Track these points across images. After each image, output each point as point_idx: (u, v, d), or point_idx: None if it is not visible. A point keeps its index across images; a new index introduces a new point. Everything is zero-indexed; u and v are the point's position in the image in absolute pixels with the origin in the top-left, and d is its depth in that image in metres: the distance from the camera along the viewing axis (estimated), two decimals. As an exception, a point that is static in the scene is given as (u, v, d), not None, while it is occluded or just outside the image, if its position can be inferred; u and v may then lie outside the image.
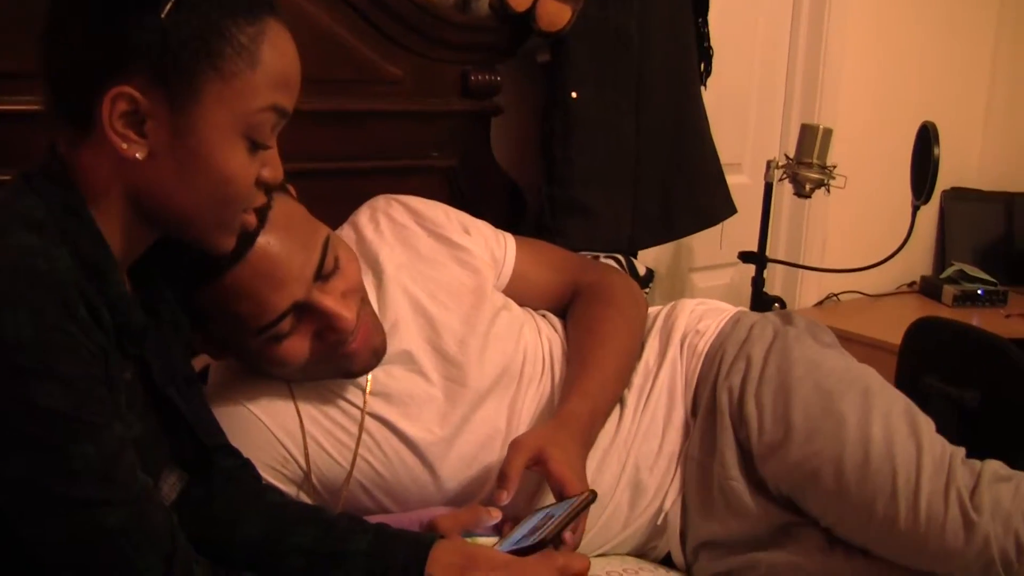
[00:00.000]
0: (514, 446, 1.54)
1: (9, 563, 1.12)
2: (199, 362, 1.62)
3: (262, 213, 1.45)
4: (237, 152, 1.19)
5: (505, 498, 1.48)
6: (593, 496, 1.44)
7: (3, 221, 1.13)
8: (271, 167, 1.25)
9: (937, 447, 1.61)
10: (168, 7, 1.14)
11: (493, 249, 1.83)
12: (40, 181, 1.18)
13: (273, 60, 1.20)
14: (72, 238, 1.14)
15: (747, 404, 1.69)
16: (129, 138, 1.16)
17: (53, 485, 1.07)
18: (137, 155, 1.16)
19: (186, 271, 1.41)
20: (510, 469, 1.50)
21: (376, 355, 1.60)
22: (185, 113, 1.16)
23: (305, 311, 1.50)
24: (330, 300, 1.51)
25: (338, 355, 1.55)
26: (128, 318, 1.19)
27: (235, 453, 1.47)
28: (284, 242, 1.47)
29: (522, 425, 1.70)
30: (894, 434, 1.61)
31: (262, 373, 1.59)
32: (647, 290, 2.47)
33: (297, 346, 1.52)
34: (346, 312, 1.52)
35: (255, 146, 1.21)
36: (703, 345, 1.81)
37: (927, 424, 1.65)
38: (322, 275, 1.51)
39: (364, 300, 1.59)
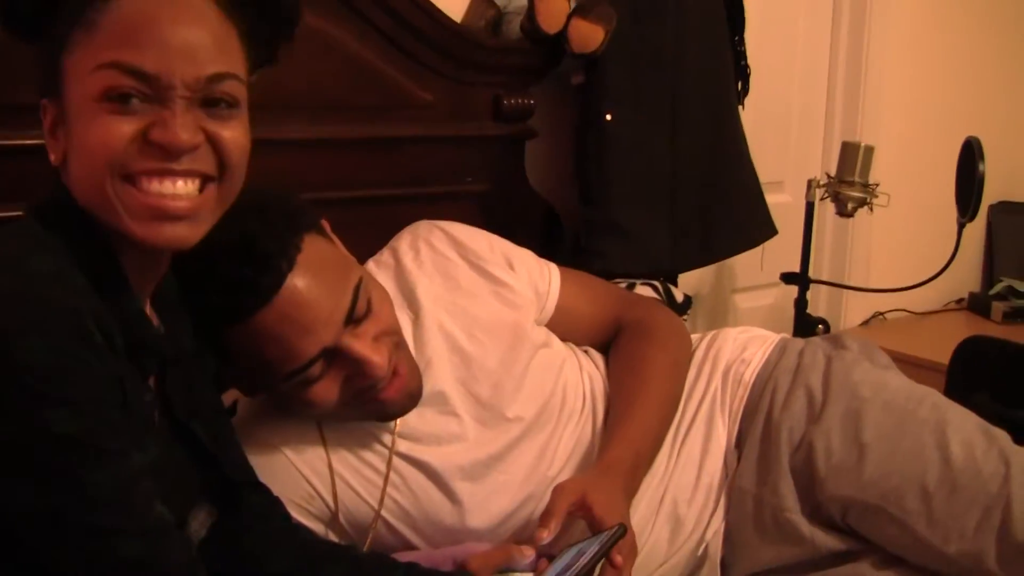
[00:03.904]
0: (558, 490, 1.51)
1: None
2: (229, 396, 1.60)
3: (290, 255, 1.41)
4: (99, 118, 1.09)
5: (546, 537, 1.45)
6: (623, 529, 1.40)
7: (17, 247, 1.10)
8: (159, 127, 1.10)
9: (1021, 457, 1.58)
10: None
11: (537, 283, 1.79)
12: (50, 206, 1.16)
13: (112, 20, 1.10)
14: (85, 260, 1.12)
15: (812, 432, 1.66)
16: (51, 146, 1.14)
17: (68, 513, 1.04)
18: (54, 160, 1.14)
19: (210, 311, 1.38)
20: (554, 509, 1.47)
21: (412, 400, 1.57)
22: (63, 103, 1.12)
23: (335, 355, 1.47)
24: (361, 345, 1.47)
25: (371, 400, 1.52)
26: (143, 335, 1.17)
27: (264, 489, 1.44)
28: (313, 285, 1.43)
29: (556, 462, 1.68)
30: (974, 448, 1.58)
31: (291, 412, 1.56)
32: (685, 317, 2.43)
33: (327, 390, 1.49)
34: (378, 358, 1.48)
35: (119, 101, 1.09)
36: (749, 375, 1.78)
37: (1004, 435, 1.62)
38: (353, 319, 1.47)
39: (399, 344, 1.55)
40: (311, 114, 1.95)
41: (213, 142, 1.13)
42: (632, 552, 1.47)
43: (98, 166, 1.10)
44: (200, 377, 1.36)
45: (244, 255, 1.39)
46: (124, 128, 1.09)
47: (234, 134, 1.15)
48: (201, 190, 1.14)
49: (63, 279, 1.07)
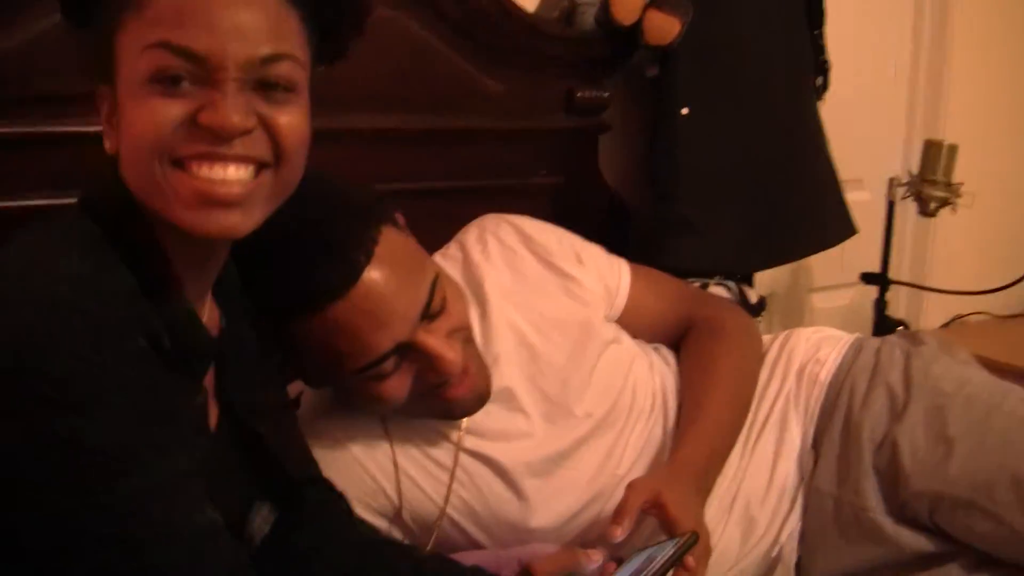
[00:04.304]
0: (632, 487, 1.48)
1: None
2: (294, 387, 1.58)
3: (367, 247, 1.39)
4: (148, 101, 1.05)
5: (619, 535, 1.41)
6: (695, 537, 1.37)
7: (56, 244, 1.07)
8: (208, 110, 1.05)
9: None
10: None
11: (606, 279, 1.77)
12: (99, 200, 1.13)
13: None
14: (131, 259, 1.08)
15: (895, 430, 1.63)
16: (107, 134, 1.11)
17: (102, 525, 1.00)
18: (109, 148, 1.11)
19: (280, 302, 1.36)
20: (628, 506, 1.44)
21: (480, 400, 1.55)
22: (117, 83, 1.08)
23: (409, 350, 1.44)
24: (435, 341, 1.44)
25: (439, 398, 1.49)
26: (192, 337, 1.13)
27: (327, 485, 1.41)
28: (390, 279, 1.40)
29: (624, 461, 1.65)
30: None
31: (356, 408, 1.54)
32: (759, 319, 2.41)
33: (397, 386, 1.46)
34: (451, 354, 1.45)
35: (168, 83, 1.05)
36: (825, 375, 1.75)
37: None
38: (429, 314, 1.44)
39: (469, 340, 1.53)
40: (377, 105, 1.93)
41: (268, 127, 1.08)
42: (706, 554, 1.45)
43: (146, 150, 1.05)
44: (263, 373, 1.33)
45: (321, 246, 1.37)
46: (172, 110, 1.04)
47: (291, 120, 1.09)
48: (255, 176, 1.09)
49: (101, 281, 1.04)
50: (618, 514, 1.43)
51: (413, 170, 1.96)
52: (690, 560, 1.36)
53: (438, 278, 1.47)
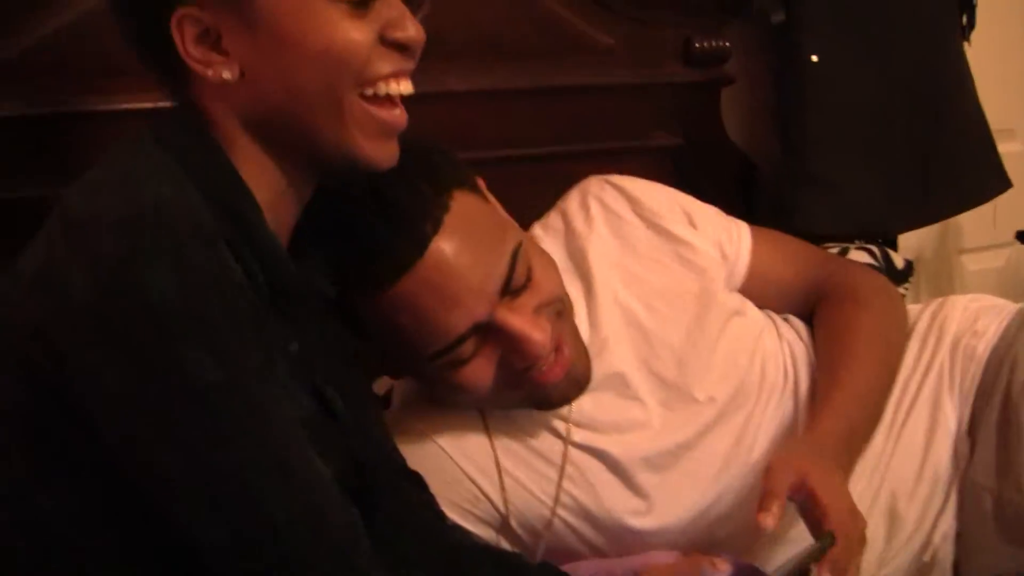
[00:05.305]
0: (777, 465, 1.33)
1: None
2: (381, 386, 1.51)
3: (436, 215, 1.28)
4: (330, 17, 1.05)
5: (771, 523, 1.26)
6: (832, 539, 1.24)
7: (133, 172, 1.03)
8: (397, 25, 1.09)
9: None
10: None
11: (723, 244, 1.64)
12: (168, 130, 1.09)
13: None
14: (210, 186, 1.04)
15: None
16: (212, 61, 1.06)
17: (216, 471, 0.96)
18: (226, 75, 1.06)
19: (343, 279, 1.26)
20: (777, 489, 1.28)
21: (578, 386, 1.43)
22: (249, 3, 1.04)
23: (489, 331, 1.32)
24: (518, 320, 1.32)
25: (530, 383, 1.37)
26: (282, 272, 1.08)
27: (414, 480, 1.32)
28: (463, 250, 1.29)
29: (757, 448, 1.52)
30: None
31: (442, 399, 1.44)
32: (906, 285, 2.27)
33: (480, 372, 1.35)
34: (538, 334, 1.32)
35: (355, 4, 1.06)
36: (983, 349, 1.59)
37: None
38: (510, 289, 1.32)
39: (562, 314, 1.40)
40: (475, 63, 1.84)
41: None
42: (860, 547, 1.31)
43: (340, 75, 1.07)
44: (338, 344, 1.26)
45: (381, 214, 1.27)
46: (366, 32, 1.07)
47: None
48: None
49: (190, 203, 1.00)
50: (766, 499, 1.29)
51: (516, 133, 1.88)
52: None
53: (521, 247, 1.35)
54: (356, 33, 1.06)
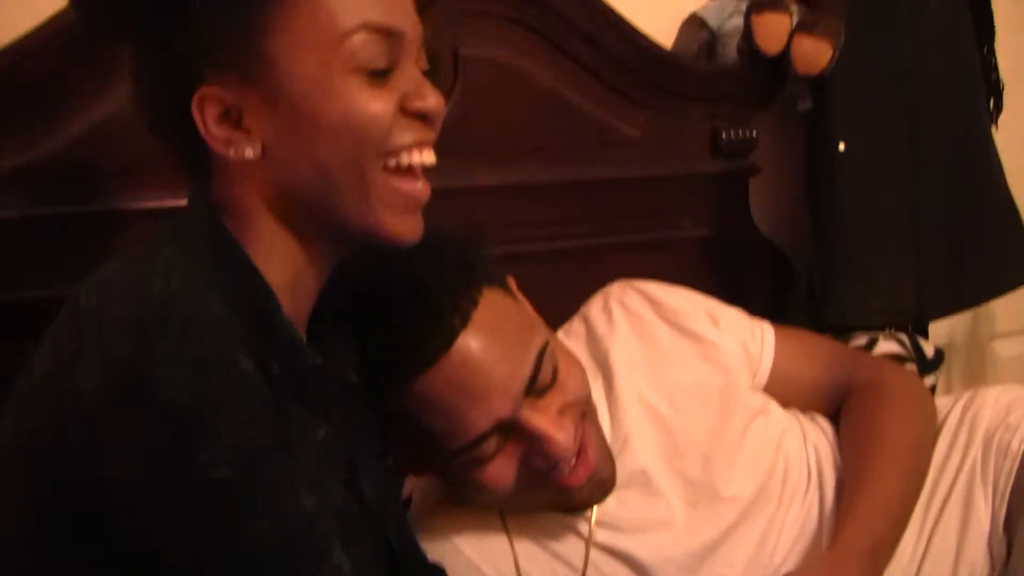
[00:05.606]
0: None
1: None
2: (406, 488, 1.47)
3: (465, 310, 1.26)
4: (349, 90, 1.04)
5: None
6: None
7: (142, 269, 1.00)
8: (416, 95, 1.08)
9: None
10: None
11: (747, 342, 1.61)
12: (181, 226, 1.08)
13: None
14: (224, 279, 1.02)
15: None
16: (234, 140, 1.05)
17: (227, 568, 0.94)
18: (248, 153, 1.05)
19: (368, 369, 1.25)
20: None
21: (602, 489, 1.39)
22: (269, 81, 1.03)
23: (513, 430, 1.30)
24: (542, 420, 1.29)
25: (553, 485, 1.34)
26: (303, 364, 1.07)
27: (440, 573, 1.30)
28: (489, 347, 1.27)
29: (780, 549, 1.48)
30: None
31: (463, 499, 1.41)
32: (934, 374, 2.23)
33: (502, 471, 1.32)
34: (562, 435, 1.30)
35: (374, 75, 1.05)
36: (1018, 443, 1.54)
37: None
38: (535, 389, 1.30)
39: (587, 415, 1.38)
40: (502, 158, 1.84)
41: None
42: None
43: (363, 147, 1.05)
44: (366, 425, 1.24)
45: (411, 306, 1.26)
46: (387, 103, 1.06)
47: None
48: None
49: (202, 300, 0.97)
50: None
51: (544, 227, 1.87)
52: None
53: (547, 346, 1.33)
54: (376, 104, 1.05)
